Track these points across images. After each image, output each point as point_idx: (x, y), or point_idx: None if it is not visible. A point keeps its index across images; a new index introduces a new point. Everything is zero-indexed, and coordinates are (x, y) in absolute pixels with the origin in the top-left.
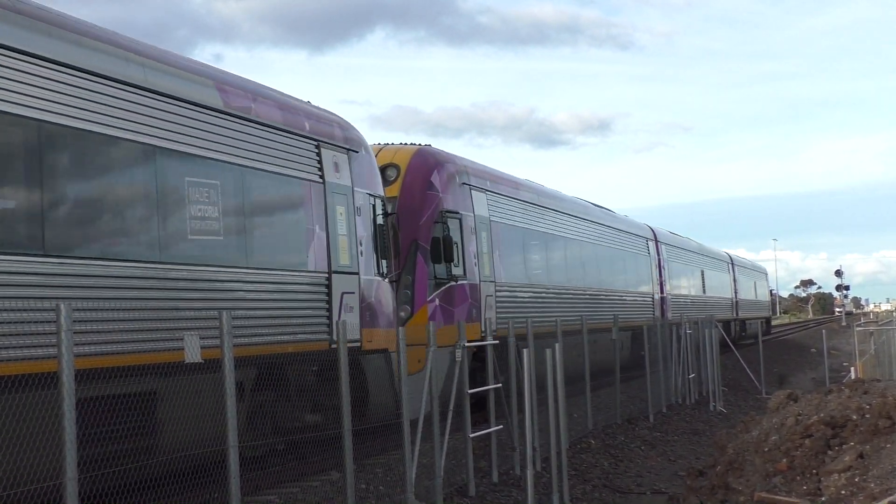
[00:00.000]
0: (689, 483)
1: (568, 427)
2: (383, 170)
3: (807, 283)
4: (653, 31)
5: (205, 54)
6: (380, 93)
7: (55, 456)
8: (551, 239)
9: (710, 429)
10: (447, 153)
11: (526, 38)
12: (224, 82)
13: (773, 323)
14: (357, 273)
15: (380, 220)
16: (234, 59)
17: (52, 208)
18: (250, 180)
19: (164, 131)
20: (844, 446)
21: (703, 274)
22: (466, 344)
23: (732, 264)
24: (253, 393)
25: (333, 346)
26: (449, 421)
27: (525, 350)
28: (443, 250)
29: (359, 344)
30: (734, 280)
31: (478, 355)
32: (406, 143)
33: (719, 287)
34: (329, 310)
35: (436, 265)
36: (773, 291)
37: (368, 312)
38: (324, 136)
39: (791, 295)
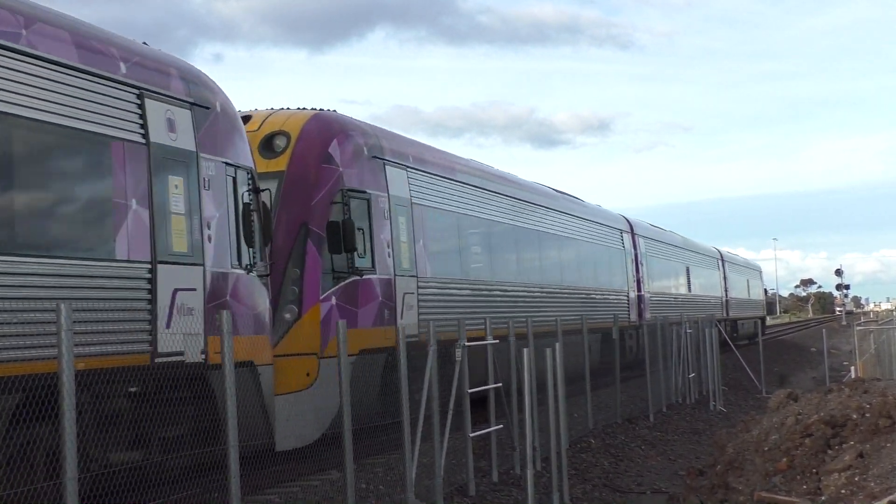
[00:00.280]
0: (689, 482)
1: (568, 426)
2: (270, 139)
3: (807, 283)
4: (653, 30)
5: (205, 54)
6: (380, 92)
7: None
8: (498, 228)
9: (710, 428)
10: (355, 120)
11: (526, 37)
12: None
13: (772, 322)
14: (201, 264)
15: (246, 197)
16: (234, 59)
17: None
18: (15, 133)
19: None
20: (844, 445)
21: (688, 271)
22: (465, 343)
23: (722, 261)
24: (19, 426)
25: (160, 360)
26: (449, 420)
27: (525, 350)
28: (343, 237)
29: (203, 357)
30: (724, 278)
31: (390, 363)
32: (305, 108)
33: (707, 285)
34: (152, 312)
35: (334, 255)
36: (772, 291)
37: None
38: (152, 84)
39: (791, 294)
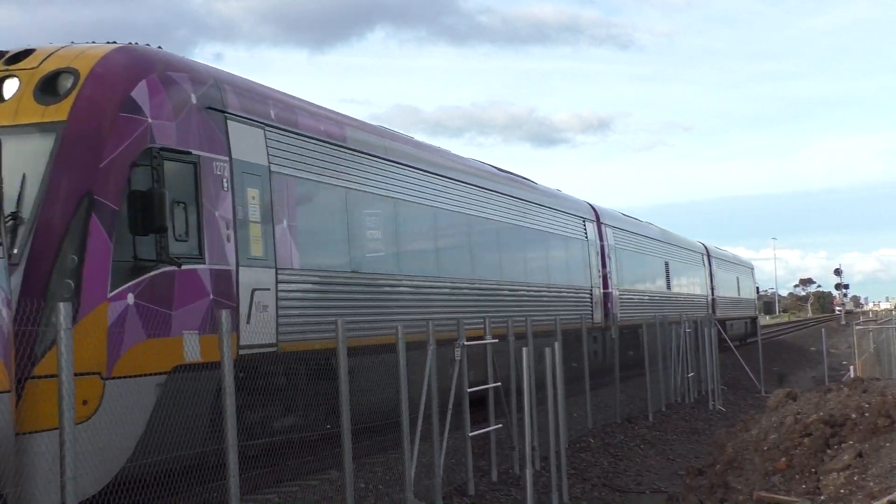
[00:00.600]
0: (689, 482)
1: (567, 426)
2: (52, 79)
3: (806, 282)
4: (653, 30)
5: (205, 54)
6: (380, 92)
7: None
8: (409, 209)
9: (709, 428)
10: (185, 60)
11: (526, 37)
12: None
13: (771, 322)
14: None
15: None
16: (234, 59)
17: None
18: None
19: None
20: (843, 445)
21: (667, 267)
22: (465, 342)
23: (708, 256)
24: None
25: None
26: (448, 420)
27: (525, 349)
28: (149, 212)
29: None
30: (710, 275)
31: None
32: (112, 42)
33: (690, 282)
34: None
35: (136, 237)
36: (772, 290)
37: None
38: None
39: (790, 294)
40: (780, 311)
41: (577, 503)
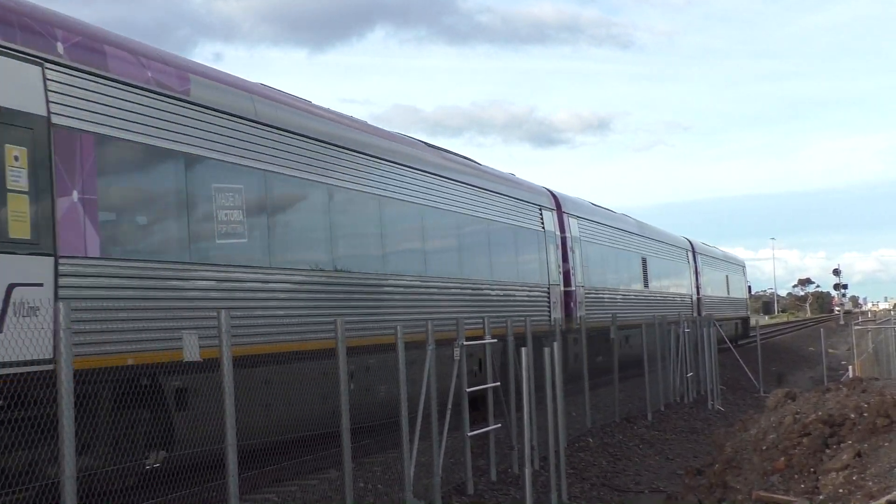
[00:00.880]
0: (688, 482)
1: (566, 426)
2: None
3: (805, 282)
4: (653, 30)
5: (205, 53)
6: (380, 92)
7: None
8: (289, 185)
9: (708, 427)
10: None
11: (526, 37)
12: None
13: (770, 322)
14: None
15: None
16: (234, 58)
17: None
18: None
19: None
20: (842, 445)
21: (644, 263)
22: (465, 342)
23: (694, 253)
24: None
25: None
26: (447, 419)
27: (524, 349)
28: None
29: None
30: (696, 272)
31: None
32: None
33: (672, 280)
34: None
35: None
36: (770, 290)
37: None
38: None
39: (789, 294)
40: (778, 312)
41: (576, 503)
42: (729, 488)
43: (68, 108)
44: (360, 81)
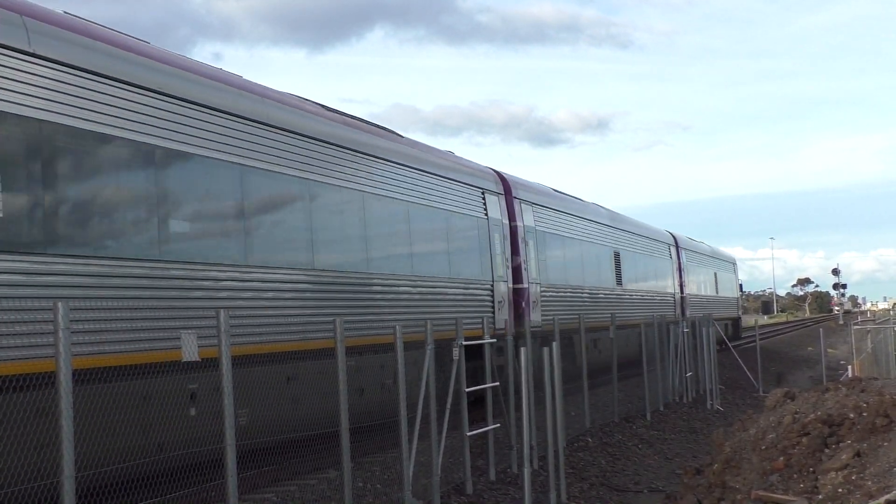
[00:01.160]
0: (687, 481)
1: (565, 425)
2: None
3: (804, 282)
4: (652, 29)
5: (204, 53)
6: (379, 91)
7: None
8: (178, 161)
9: (707, 427)
10: None
11: (525, 36)
12: None
13: (769, 322)
14: None
15: None
16: (233, 58)
17: None
18: None
19: None
20: (842, 444)
21: (616, 258)
22: (463, 342)
23: (677, 248)
24: None
25: None
26: (446, 419)
27: (523, 349)
28: None
29: None
30: (679, 269)
31: None
32: None
33: (651, 278)
34: None
35: None
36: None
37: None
38: None
39: (788, 293)
40: (777, 311)
41: (575, 502)
42: (728, 488)
43: None
44: (360, 81)
